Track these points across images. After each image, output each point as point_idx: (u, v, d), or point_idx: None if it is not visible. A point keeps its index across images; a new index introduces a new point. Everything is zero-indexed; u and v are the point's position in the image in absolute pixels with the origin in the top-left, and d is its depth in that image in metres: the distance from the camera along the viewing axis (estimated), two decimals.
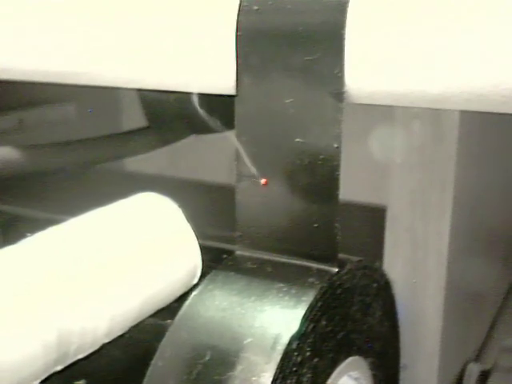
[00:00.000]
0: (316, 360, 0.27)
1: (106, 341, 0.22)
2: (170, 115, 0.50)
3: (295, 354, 0.26)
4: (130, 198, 0.26)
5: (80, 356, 0.21)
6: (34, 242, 0.22)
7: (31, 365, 0.19)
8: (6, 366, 0.18)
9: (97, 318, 0.21)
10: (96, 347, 0.22)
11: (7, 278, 0.20)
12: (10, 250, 0.21)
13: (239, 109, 0.29)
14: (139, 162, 0.59)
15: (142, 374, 0.27)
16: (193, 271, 0.26)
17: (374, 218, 0.51)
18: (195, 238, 0.26)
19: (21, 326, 0.19)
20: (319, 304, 0.27)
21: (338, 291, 0.29)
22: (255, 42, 0.28)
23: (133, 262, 0.23)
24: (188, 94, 0.39)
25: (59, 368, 0.21)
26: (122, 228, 0.24)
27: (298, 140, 0.28)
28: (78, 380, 0.23)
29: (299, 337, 0.26)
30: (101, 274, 0.22)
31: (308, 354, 0.27)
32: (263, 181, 0.29)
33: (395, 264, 0.45)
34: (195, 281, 0.26)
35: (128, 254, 0.23)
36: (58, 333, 0.20)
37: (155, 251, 0.24)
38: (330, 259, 0.29)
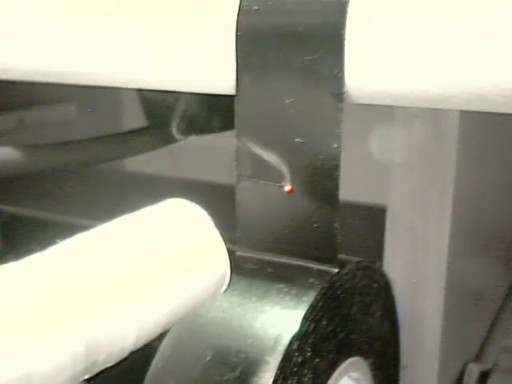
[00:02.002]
0: (317, 360, 0.27)
1: (135, 349, 0.22)
2: (169, 115, 0.50)
3: (296, 354, 0.26)
4: (158, 204, 0.25)
5: (108, 365, 0.21)
6: (61, 249, 0.21)
7: (60, 375, 0.19)
8: (36, 378, 0.18)
9: (126, 327, 0.21)
10: (124, 355, 0.22)
11: (34, 287, 0.19)
12: (37, 258, 0.21)
13: (239, 109, 0.29)
14: (139, 162, 0.59)
15: (143, 375, 0.27)
16: (221, 279, 0.25)
17: (374, 218, 0.51)
18: (224, 246, 0.25)
19: (49, 337, 0.19)
20: (320, 304, 0.27)
21: (339, 292, 0.29)
22: (255, 42, 0.28)
23: (161, 270, 0.23)
24: (188, 94, 0.39)
25: (87, 377, 0.20)
26: (150, 235, 0.24)
27: (297, 140, 0.28)
28: None
29: (300, 337, 0.26)
30: (130, 283, 0.21)
31: (309, 354, 0.27)
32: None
33: (395, 264, 0.45)
34: (223, 289, 0.26)
35: (157, 262, 0.23)
36: (87, 343, 0.20)
37: (184, 259, 0.24)
38: (330, 260, 0.29)
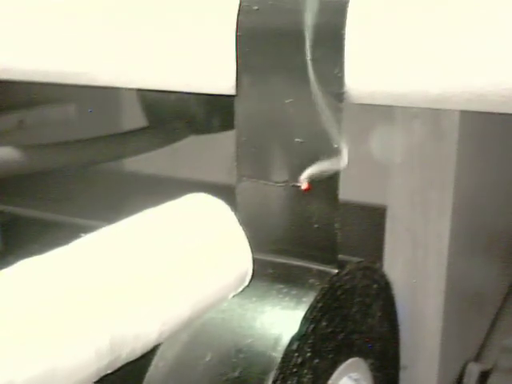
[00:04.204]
0: (316, 361, 0.27)
1: (157, 343, 0.22)
2: (169, 115, 0.50)
3: (296, 354, 0.26)
4: (180, 199, 0.25)
5: (130, 360, 0.21)
6: (85, 243, 0.21)
7: (84, 370, 0.19)
8: (60, 373, 0.18)
9: (149, 322, 0.21)
10: (146, 351, 0.22)
11: (59, 282, 0.19)
12: (60, 252, 0.21)
13: (239, 109, 0.29)
14: (139, 162, 0.59)
15: (143, 375, 0.27)
16: (243, 275, 0.25)
17: (374, 218, 0.51)
18: (247, 242, 0.25)
19: (74, 332, 0.19)
20: (319, 305, 0.27)
21: (338, 292, 0.29)
22: (255, 42, 0.28)
23: (184, 265, 0.23)
24: (188, 94, 0.39)
25: (109, 371, 0.20)
26: (173, 230, 0.23)
27: (297, 140, 0.28)
28: None
29: (300, 338, 0.26)
30: (153, 278, 0.21)
31: (308, 354, 0.27)
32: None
33: (395, 264, 0.45)
34: (245, 285, 0.25)
35: (180, 257, 0.23)
36: (111, 338, 0.20)
37: (207, 254, 0.24)
38: (330, 260, 0.29)
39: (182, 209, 0.25)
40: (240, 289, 0.25)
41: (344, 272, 0.29)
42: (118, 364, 0.21)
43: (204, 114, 0.50)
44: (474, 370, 0.52)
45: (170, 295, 0.22)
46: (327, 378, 0.29)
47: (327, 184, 0.28)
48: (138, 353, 0.21)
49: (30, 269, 0.20)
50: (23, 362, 0.17)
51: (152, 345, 0.22)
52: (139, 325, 0.21)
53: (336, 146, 0.28)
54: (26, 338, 0.18)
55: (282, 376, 0.25)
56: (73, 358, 0.19)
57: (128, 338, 0.20)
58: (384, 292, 0.33)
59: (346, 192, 0.29)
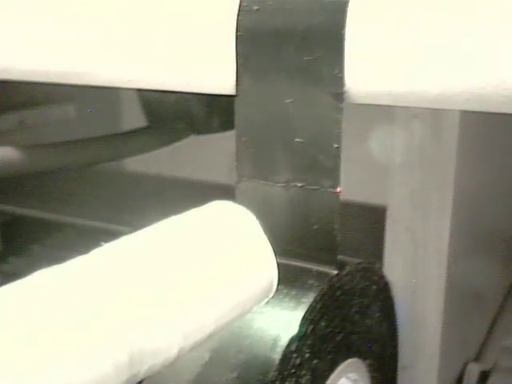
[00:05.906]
0: (315, 362, 0.27)
1: (177, 357, 0.21)
2: (170, 115, 0.50)
3: (294, 355, 0.26)
4: (203, 207, 0.24)
5: (148, 375, 0.20)
6: (104, 254, 0.21)
7: None
8: None
9: (170, 337, 0.20)
10: (166, 365, 0.21)
11: (76, 294, 0.19)
12: (79, 262, 0.20)
13: (239, 109, 0.29)
14: (140, 162, 0.59)
15: None
16: (268, 286, 0.24)
17: (374, 218, 0.51)
18: (272, 252, 0.24)
19: (92, 346, 0.18)
20: (319, 306, 0.27)
21: (338, 293, 0.29)
22: (255, 42, 0.28)
23: (208, 277, 0.22)
24: (188, 94, 0.39)
25: None
26: (196, 240, 0.23)
27: (297, 140, 0.28)
28: None
29: (298, 338, 0.26)
30: (176, 290, 0.21)
31: (307, 355, 0.27)
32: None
33: (395, 264, 0.45)
34: (270, 295, 0.25)
35: (204, 269, 0.22)
36: (131, 353, 0.19)
37: (232, 266, 0.23)
38: (329, 261, 0.29)
39: (206, 217, 0.24)
40: (265, 300, 0.25)
41: (343, 273, 0.29)
42: (137, 380, 0.20)
43: (204, 114, 0.50)
44: (473, 369, 0.51)
45: (194, 308, 0.21)
46: (325, 379, 0.29)
47: (327, 184, 0.28)
48: (157, 368, 0.20)
49: (46, 279, 0.19)
50: (38, 378, 0.17)
51: (172, 359, 0.21)
52: (160, 339, 0.20)
53: (336, 145, 0.28)
54: (42, 352, 0.17)
55: (280, 377, 0.25)
56: (91, 374, 0.18)
57: (148, 352, 0.20)
58: (383, 293, 0.33)
59: (346, 192, 0.29)
